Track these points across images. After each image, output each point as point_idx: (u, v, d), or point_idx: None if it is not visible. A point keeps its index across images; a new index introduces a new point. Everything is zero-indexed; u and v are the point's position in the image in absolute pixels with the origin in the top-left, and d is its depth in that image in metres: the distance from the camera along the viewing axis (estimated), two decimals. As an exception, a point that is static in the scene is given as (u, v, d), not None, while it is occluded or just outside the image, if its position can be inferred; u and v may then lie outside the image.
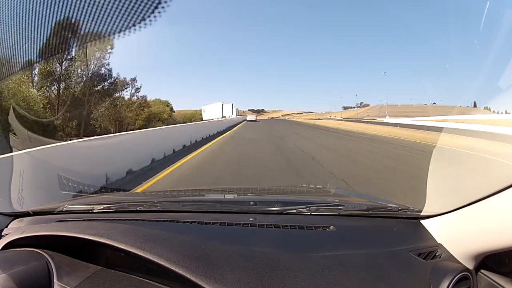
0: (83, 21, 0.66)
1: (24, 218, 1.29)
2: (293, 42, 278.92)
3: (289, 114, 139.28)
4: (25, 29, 0.75)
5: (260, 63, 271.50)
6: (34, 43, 0.76)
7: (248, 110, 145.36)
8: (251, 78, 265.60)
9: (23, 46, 0.79)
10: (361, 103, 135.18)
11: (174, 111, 38.80)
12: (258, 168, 6.33)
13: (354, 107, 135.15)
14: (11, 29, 0.77)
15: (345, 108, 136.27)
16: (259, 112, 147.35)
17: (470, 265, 0.83)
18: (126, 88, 27.53)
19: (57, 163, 3.57)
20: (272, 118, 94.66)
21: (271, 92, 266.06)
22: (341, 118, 69.61)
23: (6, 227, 1.24)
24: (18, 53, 0.82)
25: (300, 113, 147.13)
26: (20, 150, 3.26)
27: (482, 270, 0.84)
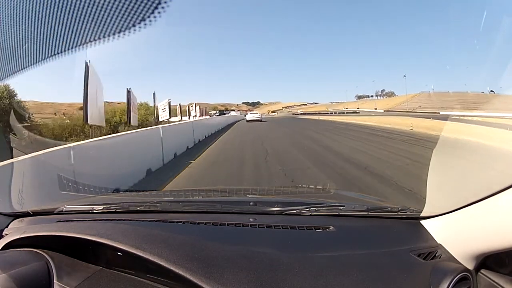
0: (83, 21, 0.66)
1: (24, 218, 1.29)
2: (292, 30, 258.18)
3: (290, 106, 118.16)
4: (25, 29, 0.75)
5: (254, 54, 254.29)
6: (34, 43, 0.76)
7: (242, 103, 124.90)
8: (244, 69, 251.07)
9: (23, 46, 0.79)
10: (383, 90, 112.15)
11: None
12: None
13: (371, 96, 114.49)
14: (10, 29, 0.77)
15: (359, 97, 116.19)
16: (254, 105, 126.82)
17: (470, 266, 0.83)
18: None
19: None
20: (273, 112, 77.54)
21: (267, 83, 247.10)
22: (380, 111, 54.35)
23: (6, 227, 1.24)
24: (18, 53, 0.82)
25: (303, 104, 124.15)
26: (19, 150, 3.26)
27: (482, 270, 0.84)
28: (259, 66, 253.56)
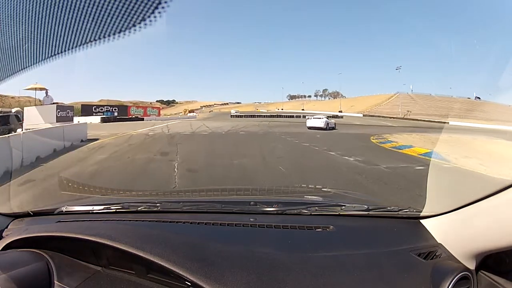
0: (83, 21, 0.66)
1: (24, 219, 1.29)
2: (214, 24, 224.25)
3: (210, 105, 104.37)
4: (25, 30, 0.75)
5: (169, 50, 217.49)
6: (34, 43, 0.76)
7: (157, 101, 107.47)
8: (157, 65, 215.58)
9: (23, 46, 0.79)
10: (325, 90, 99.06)
11: None
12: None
13: (309, 96, 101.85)
14: (11, 29, 0.77)
15: (292, 97, 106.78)
16: (169, 103, 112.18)
17: (470, 265, 0.83)
18: None
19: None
20: (192, 111, 57.26)
21: (182, 80, 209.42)
22: (356, 115, 47.36)
23: (7, 227, 1.24)
24: (18, 53, 0.82)
25: (224, 104, 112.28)
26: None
27: (482, 270, 0.84)
28: (174, 63, 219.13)
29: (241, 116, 42.86)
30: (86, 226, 1.04)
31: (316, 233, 1.01)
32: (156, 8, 0.60)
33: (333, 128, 19.03)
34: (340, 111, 53.10)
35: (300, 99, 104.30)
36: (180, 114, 52.04)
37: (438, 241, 0.93)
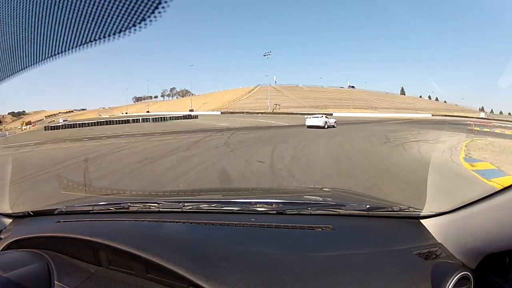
0: (83, 21, 0.66)
1: (24, 219, 1.29)
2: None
3: (54, 115, 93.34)
4: (25, 30, 0.75)
5: None
6: (34, 43, 0.75)
7: (8, 113, 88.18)
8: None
9: (23, 46, 0.79)
10: (173, 89, 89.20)
11: None
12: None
13: (155, 97, 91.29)
14: (10, 29, 0.77)
15: (138, 99, 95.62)
16: (19, 115, 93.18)
17: (470, 265, 0.83)
18: None
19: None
20: (29, 123, 48.76)
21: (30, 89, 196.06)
22: (214, 113, 40.48)
23: (6, 228, 1.24)
24: (17, 54, 0.82)
25: (69, 111, 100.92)
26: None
27: (482, 270, 0.84)
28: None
29: (62, 127, 30.78)
30: (86, 226, 1.04)
31: (316, 233, 1.01)
32: (156, 8, 0.60)
33: (333, 127, 19.01)
34: (191, 110, 46.22)
35: (146, 100, 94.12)
36: (18, 128, 44.53)
37: (438, 241, 0.93)
